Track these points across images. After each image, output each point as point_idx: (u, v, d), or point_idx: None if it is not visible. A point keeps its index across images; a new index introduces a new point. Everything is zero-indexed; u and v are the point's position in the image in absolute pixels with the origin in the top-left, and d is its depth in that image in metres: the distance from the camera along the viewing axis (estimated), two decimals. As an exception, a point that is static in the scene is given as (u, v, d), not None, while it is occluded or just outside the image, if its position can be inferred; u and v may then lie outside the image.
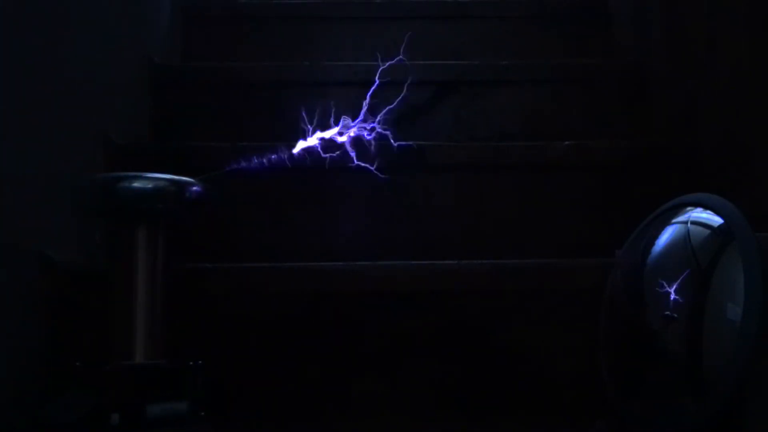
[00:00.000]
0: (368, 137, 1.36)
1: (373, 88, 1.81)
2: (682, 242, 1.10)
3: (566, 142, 1.56)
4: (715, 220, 1.07)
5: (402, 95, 1.81)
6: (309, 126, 1.30)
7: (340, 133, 1.32)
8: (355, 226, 1.50)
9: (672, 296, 1.07)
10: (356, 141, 1.36)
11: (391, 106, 1.81)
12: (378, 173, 1.50)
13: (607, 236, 1.29)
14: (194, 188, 1.12)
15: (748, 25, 1.33)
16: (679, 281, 1.08)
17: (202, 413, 1.06)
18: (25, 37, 1.13)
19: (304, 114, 1.31)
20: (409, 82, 1.83)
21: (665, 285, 1.08)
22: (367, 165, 1.41)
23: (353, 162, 1.36)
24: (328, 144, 1.31)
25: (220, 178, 1.22)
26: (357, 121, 1.35)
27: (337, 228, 1.50)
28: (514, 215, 1.52)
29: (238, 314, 1.25)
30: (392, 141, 1.59)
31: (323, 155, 1.30)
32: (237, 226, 1.49)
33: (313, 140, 1.30)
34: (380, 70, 1.84)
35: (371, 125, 1.35)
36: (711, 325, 1.03)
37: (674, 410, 1.06)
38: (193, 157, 1.49)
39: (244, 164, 1.27)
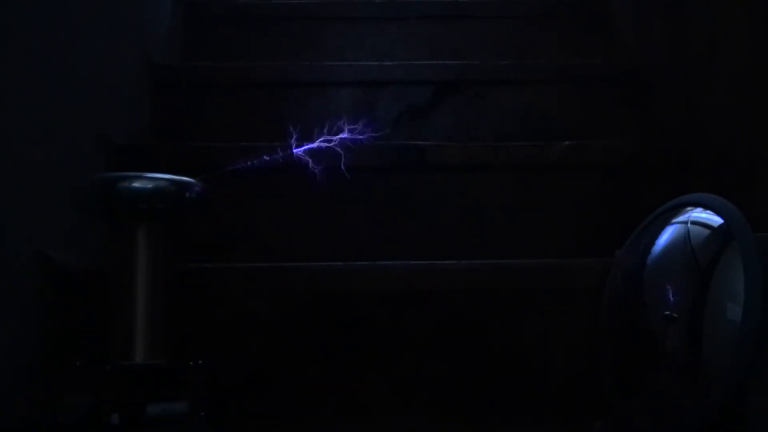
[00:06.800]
0: (368, 137, 1.36)
1: (373, 88, 1.82)
2: (682, 242, 1.10)
3: (566, 142, 1.56)
4: (715, 220, 1.07)
5: (402, 95, 1.82)
6: (309, 126, 1.30)
7: (340, 133, 1.32)
8: (354, 226, 1.50)
9: (672, 296, 1.07)
10: (356, 141, 1.36)
11: (391, 106, 1.82)
12: (378, 173, 1.50)
13: (607, 236, 1.29)
14: (194, 188, 1.12)
15: (748, 25, 1.33)
16: (679, 281, 1.08)
17: (202, 413, 1.06)
18: (25, 37, 1.13)
19: (303, 114, 1.31)
20: (409, 81, 1.83)
21: (665, 285, 1.08)
22: (367, 165, 1.42)
23: (353, 162, 1.36)
24: (329, 144, 1.31)
25: (220, 178, 1.22)
26: (357, 120, 1.35)
27: (337, 228, 1.50)
28: (514, 215, 1.52)
29: (238, 314, 1.25)
30: (392, 141, 1.60)
31: (323, 155, 1.30)
32: (237, 226, 1.49)
33: (313, 140, 1.30)
34: (381, 70, 1.84)
35: (371, 125, 1.35)
36: (711, 325, 1.03)
37: (674, 410, 1.06)
38: (193, 157, 1.49)
39: (244, 164, 1.27)
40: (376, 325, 1.26)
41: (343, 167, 1.39)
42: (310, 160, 1.30)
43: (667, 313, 1.07)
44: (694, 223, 1.11)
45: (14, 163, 1.09)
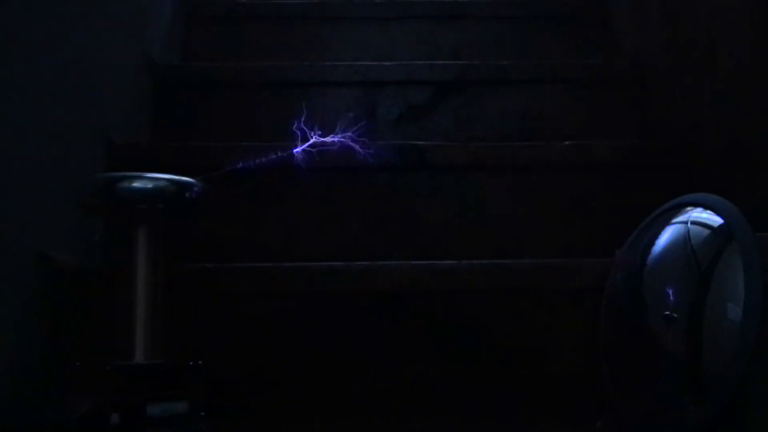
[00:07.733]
0: (368, 137, 1.36)
1: (373, 88, 1.82)
2: (682, 242, 1.10)
3: (566, 142, 1.56)
4: (715, 220, 1.07)
5: (402, 95, 1.82)
6: (309, 126, 1.30)
7: (341, 133, 1.32)
8: (355, 226, 1.50)
9: (672, 296, 1.07)
10: (356, 141, 1.36)
11: (391, 106, 1.82)
12: (378, 173, 1.50)
13: (607, 236, 1.29)
14: (194, 188, 1.12)
15: (748, 25, 1.33)
16: (679, 281, 1.08)
17: (202, 413, 1.06)
18: (25, 37, 1.13)
19: (304, 114, 1.31)
20: (409, 81, 1.83)
21: (665, 285, 1.09)
22: (367, 165, 1.41)
23: (353, 162, 1.36)
24: (329, 144, 1.31)
25: (220, 178, 1.22)
26: (357, 120, 1.35)
27: (337, 228, 1.50)
28: (513, 215, 1.52)
29: (238, 314, 1.25)
30: (392, 141, 1.60)
31: (323, 155, 1.30)
32: (237, 225, 1.49)
33: (313, 140, 1.30)
34: (381, 70, 1.84)
35: (371, 125, 1.36)
36: (711, 325, 1.03)
37: (674, 410, 1.06)
38: (193, 157, 1.49)
39: (244, 164, 1.27)
40: (376, 325, 1.26)
41: (342, 167, 1.39)
42: (309, 160, 1.30)
43: (667, 313, 1.07)
44: (694, 223, 1.11)
45: (14, 163, 1.09)
